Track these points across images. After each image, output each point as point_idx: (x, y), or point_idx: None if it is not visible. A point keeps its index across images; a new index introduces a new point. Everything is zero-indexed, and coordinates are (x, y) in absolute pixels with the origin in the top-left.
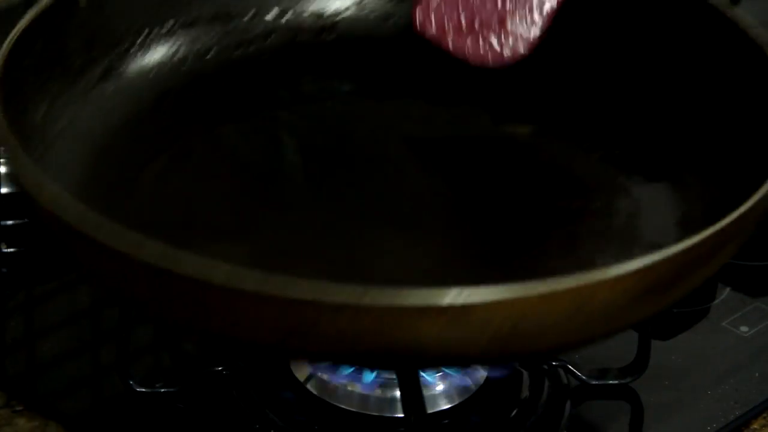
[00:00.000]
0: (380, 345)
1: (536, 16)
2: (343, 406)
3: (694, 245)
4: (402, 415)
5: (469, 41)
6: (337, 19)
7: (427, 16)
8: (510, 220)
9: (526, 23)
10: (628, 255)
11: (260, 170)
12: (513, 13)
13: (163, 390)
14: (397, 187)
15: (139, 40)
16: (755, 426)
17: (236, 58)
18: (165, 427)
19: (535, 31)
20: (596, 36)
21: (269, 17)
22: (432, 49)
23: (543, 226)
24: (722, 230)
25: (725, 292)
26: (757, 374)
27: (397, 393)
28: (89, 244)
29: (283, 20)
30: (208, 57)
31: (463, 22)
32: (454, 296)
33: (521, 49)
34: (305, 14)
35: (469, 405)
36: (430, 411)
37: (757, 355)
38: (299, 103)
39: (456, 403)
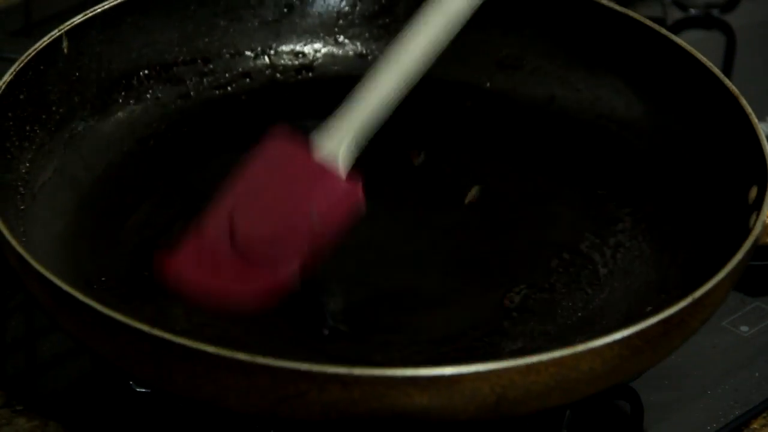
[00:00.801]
0: (369, 415)
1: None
2: None
3: (674, 314)
4: None
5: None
6: (317, 56)
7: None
8: (485, 275)
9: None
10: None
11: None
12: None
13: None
14: (375, 239)
15: (119, 86)
16: (755, 426)
17: (216, 98)
18: (165, 427)
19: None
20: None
21: (248, 56)
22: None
23: (526, 280)
24: (698, 300)
25: None
26: (757, 374)
27: None
28: (77, 317)
29: (262, 60)
30: (189, 98)
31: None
32: (443, 367)
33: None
34: (284, 53)
35: None
36: None
37: (757, 355)
38: None
39: None
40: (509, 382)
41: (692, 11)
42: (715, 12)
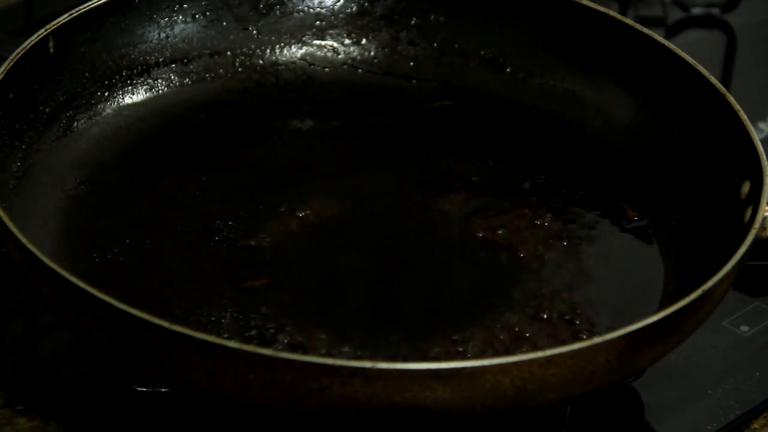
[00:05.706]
0: (389, 409)
1: None
2: None
3: (686, 306)
4: None
5: None
6: (295, 57)
7: None
8: (486, 272)
9: None
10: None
11: (230, 216)
12: None
13: (163, 390)
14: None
15: (102, 86)
16: (755, 426)
17: (198, 98)
18: (165, 427)
19: None
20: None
21: (228, 57)
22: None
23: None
24: (708, 292)
25: None
26: (757, 374)
27: None
28: (91, 315)
29: (242, 61)
30: (171, 99)
31: None
32: (467, 360)
33: None
34: (263, 54)
35: None
36: None
37: (757, 354)
38: (263, 142)
39: None
40: (529, 375)
41: (692, 11)
42: (716, 12)
